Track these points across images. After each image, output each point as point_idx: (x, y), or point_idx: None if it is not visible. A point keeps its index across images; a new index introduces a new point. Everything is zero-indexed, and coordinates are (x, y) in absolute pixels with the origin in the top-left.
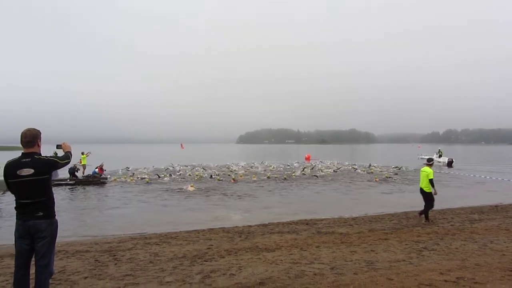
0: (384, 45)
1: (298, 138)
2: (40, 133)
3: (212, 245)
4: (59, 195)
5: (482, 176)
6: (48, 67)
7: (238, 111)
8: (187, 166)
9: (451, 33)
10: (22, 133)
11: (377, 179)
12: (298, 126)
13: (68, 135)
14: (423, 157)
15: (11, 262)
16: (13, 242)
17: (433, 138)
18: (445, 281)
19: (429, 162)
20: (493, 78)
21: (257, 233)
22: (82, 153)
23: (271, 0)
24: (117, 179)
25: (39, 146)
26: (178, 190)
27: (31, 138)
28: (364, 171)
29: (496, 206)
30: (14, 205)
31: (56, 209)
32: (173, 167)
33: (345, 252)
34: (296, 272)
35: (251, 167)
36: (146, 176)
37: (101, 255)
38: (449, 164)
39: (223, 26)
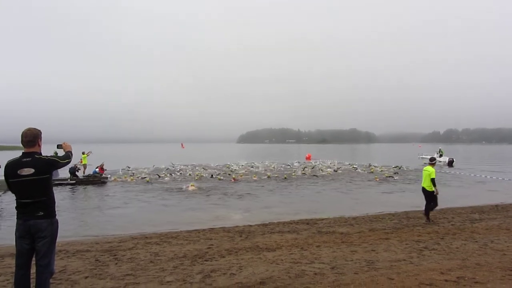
0: (384, 45)
1: (298, 137)
2: (41, 132)
3: (212, 244)
4: (60, 194)
5: (483, 176)
6: (48, 67)
7: (238, 110)
8: (187, 166)
9: (451, 33)
10: (22, 132)
11: (377, 179)
12: (298, 125)
13: (68, 135)
14: (423, 156)
15: (12, 261)
16: (14, 242)
17: (434, 138)
18: (446, 280)
19: (432, 162)
20: (494, 78)
21: (258, 232)
22: (83, 153)
23: (271, 0)
24: (118, 179)
25: (39, 145)
26: (179, 189)
27: (31, 137)
28: (364, 170)
29: (496, 205)
30: (15, 205)
31: (56, 208)
32: (173, 166)
33: (345, 251)
34: (296, 272)
35: (252, 166)
36: (146, 176)
37: (102, 255)
38: (450, 163)
39: (223, 26)
